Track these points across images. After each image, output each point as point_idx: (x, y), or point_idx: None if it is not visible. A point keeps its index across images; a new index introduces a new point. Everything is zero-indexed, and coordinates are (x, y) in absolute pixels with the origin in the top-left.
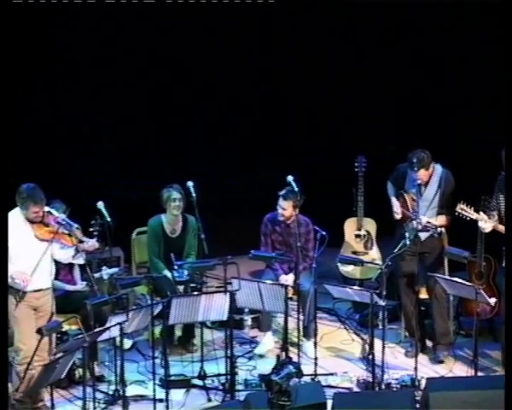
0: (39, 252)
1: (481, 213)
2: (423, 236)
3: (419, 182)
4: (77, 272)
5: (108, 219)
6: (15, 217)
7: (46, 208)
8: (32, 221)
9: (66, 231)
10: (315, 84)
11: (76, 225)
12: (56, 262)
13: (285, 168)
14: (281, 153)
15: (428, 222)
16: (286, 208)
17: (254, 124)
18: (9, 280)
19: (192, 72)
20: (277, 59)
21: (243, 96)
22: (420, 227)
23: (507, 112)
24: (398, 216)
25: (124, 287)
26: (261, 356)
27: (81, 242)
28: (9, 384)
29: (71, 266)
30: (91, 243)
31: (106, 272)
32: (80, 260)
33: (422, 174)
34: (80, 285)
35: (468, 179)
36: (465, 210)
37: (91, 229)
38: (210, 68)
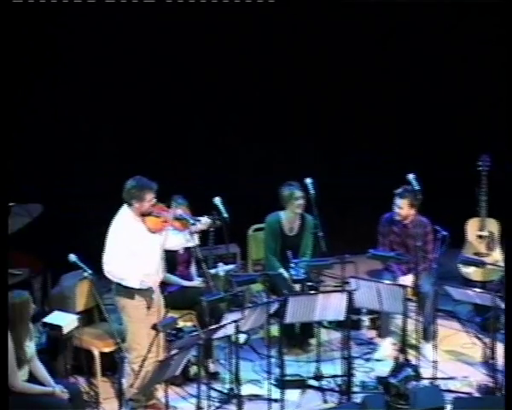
0: (157, 246)
1: None
2: None
3: None
4: (193, 268)
5: (225, 214)
6: (125, 216)
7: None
8: (144, 214)
9: (176, 217)
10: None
11: (187, 217)
12: (174, 257)
13: (407, 167)
14: (403, 152)
15: None
16: (402, 207)
17: (376, 122)
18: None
19: (192, 72)
20: (279, 59)
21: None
22: None
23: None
24: None
25: (240, 284)
26: (379, 360)
27: (193, 224)
28: (123, 381)
29: (188, 261)
30: (203, 221)
31: (222, 268)
32: (195, 241)
33: None
34: (196, 281)
35: None
36: None
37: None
38: (210, 68)
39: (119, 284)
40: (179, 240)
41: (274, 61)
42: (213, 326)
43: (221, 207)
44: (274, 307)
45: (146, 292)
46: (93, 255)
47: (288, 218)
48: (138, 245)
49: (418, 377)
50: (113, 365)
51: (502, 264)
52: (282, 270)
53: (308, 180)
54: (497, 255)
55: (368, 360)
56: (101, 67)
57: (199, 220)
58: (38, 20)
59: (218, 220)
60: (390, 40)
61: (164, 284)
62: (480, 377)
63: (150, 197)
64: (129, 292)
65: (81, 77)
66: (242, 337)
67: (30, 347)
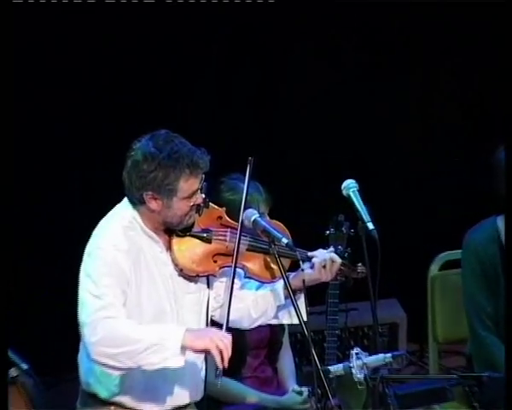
0: (194, 311)
1: None
2: None
3: None
4: (287, 364)
5: (371, 224)
6: (122, 225)
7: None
8: (169, 229)
9: (256, 246)
10: None
11: (285, 239)
12: (238, 337)
13: None
14: None
15: None
16: None
17: None
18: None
19: (192, 72)
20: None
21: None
22: None
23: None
24: None
25: (406, 402)
26: None
27: (298, 262)
28: None
29: (271, 344)
30: (320, 260)
31: (359, 360)
32: (285, 318)
33: None
34: (294, 396)
35: None
36: None
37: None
38: (209, 68)
39: (87, 395)
40: (256, 306)
41: (273, 61)
42: None
43: (356, 200)
44: None
45: None
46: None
47: None
48: (148, 299)
49: None
50: None
51: None
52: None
53: None
54: None
55: None
56: (102, 68)
57: (309, 259)
58: (38, 20)
59: (359, 268)
60: (392, 40)
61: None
62: None
63: (192, 188)
64: None
65: (81, 77)
66: None
67: None
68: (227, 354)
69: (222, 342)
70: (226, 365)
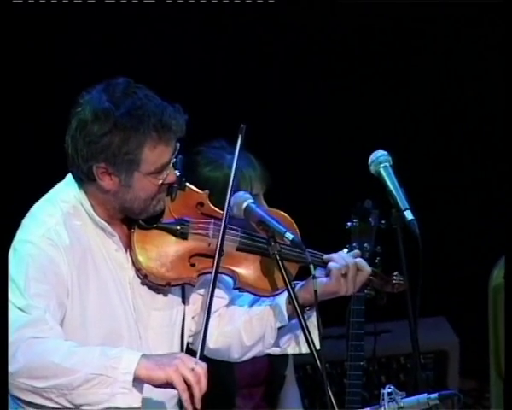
0: (148, 325)
1: None
2: None
3: None
4: (292, 408)
5: (408, 214)
6: (60, 214)
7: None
8: (131, 216)
9: (249, 244)
10: None
11: (290, 234)
12: (226, 369)
13: None
14: None
15: None
16: None
17: None
18: None
19: (192, 72)
20: (276, 59)
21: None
22: None
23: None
24: None
25: None
26: None
27: (308, 268)
28: None
29: (271, 382)
30: (339, 265)
31: (393, 402)
32: (290, 346)
33: None
34: None
35: None
36: None
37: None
38: (209, 69)
39: None
40: (255, 330)
41: (270, 60)
42: None
43: (392, 185)
44: None
45: None
46: None
47: None
48: (97, 316)
49: None
50: None
51: None
52: None
53: None
54: None
55: None
56: (102, 68)
57: (324, 263)
58: (38, 20)
59: (395, 278)
60: (393, 40)
61: None
62: None
63: (161, 160)
64: None
65: (81, 77)
66: None
67: None
68: (199, 390)
69: (191, 373)
70: (199, 407)
